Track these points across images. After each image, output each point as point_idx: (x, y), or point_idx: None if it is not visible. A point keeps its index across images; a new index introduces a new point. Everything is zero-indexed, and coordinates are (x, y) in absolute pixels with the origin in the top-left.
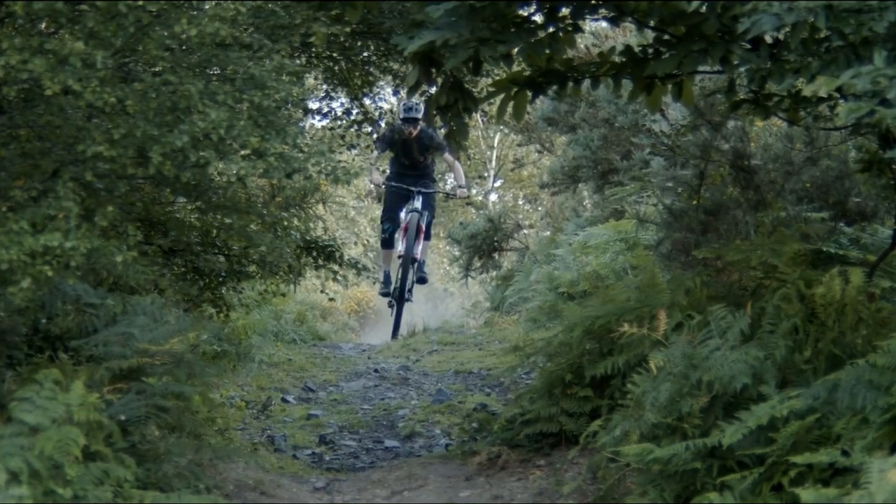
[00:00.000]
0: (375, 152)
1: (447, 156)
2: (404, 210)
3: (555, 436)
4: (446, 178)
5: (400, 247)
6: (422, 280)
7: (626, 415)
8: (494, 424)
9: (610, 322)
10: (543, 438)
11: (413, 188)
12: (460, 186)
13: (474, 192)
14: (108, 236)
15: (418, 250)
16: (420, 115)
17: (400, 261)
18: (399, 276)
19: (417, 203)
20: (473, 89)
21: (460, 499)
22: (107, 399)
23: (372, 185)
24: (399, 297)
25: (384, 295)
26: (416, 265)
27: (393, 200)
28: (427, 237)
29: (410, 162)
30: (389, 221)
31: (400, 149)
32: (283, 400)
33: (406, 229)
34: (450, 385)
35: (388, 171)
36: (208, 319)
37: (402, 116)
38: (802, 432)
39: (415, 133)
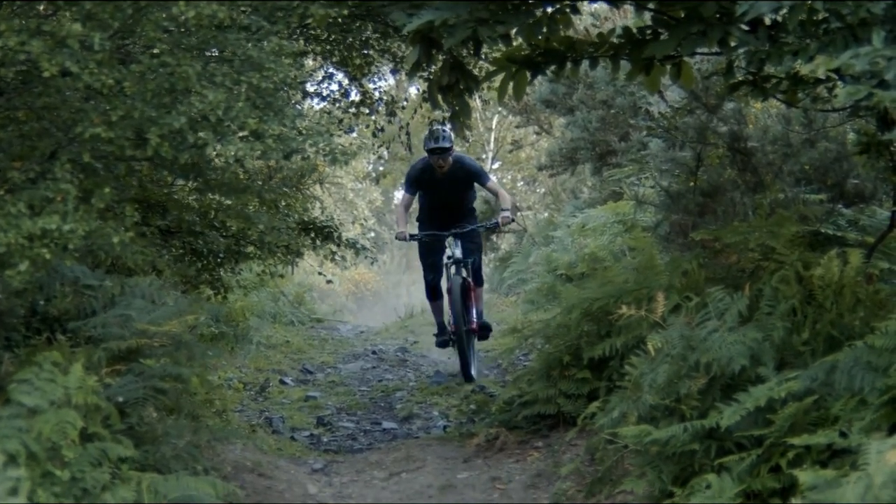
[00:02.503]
0: (401, 194)
1: (490, 184)
2: (444, 257)
3: (553, 417)
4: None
5: (449, 317)
6: (485, 329)
7: (624, 396)
8: (492, 406)
9: (608, 304)
10: (541, 420)
11: (446, 232)
12: (503, 211)
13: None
14: (106, 217)
15: (473, 315)
16: (450, 144)
17: (451, 325)
18: (458, 353)
19: (457, 250)
20: (474, 70)
21: (458, 480)
22: (105, 381)
23: (401, 239)
24: (466, 378)
25: (441, 346)
26: (475, 331)
27: (428, 248)
28: (479, 282)
29: (444, 200)
30: (430, 270)
31: (430, 187)
32: (281, 382)
33: (451, 294)
34: (448, 367)
35: (418, 210)
36: (206, 301)
37: (428, 147)
38: (800, 414)
39: (446, 167)
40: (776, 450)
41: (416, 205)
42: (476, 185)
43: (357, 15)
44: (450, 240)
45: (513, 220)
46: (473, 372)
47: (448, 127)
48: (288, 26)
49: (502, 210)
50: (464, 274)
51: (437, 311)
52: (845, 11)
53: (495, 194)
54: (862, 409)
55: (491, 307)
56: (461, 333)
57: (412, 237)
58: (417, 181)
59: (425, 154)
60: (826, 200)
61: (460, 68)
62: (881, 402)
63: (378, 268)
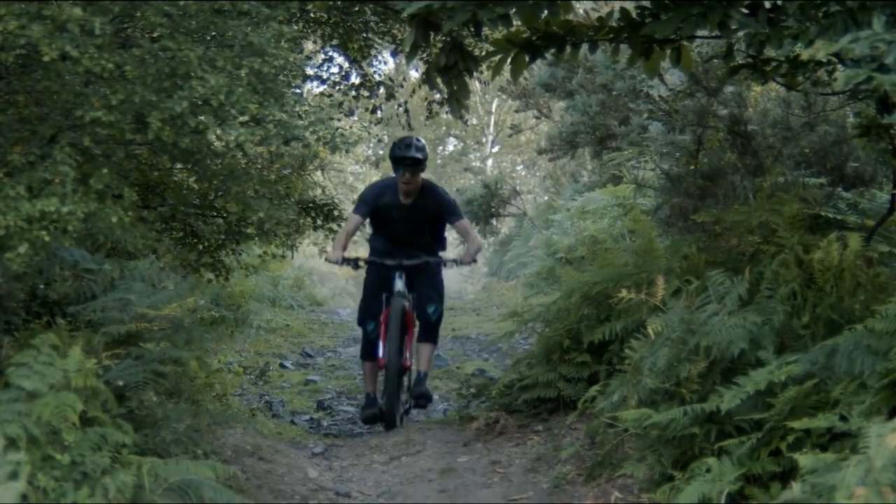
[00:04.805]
0: (352, 218)
1: (460, 224)
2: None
3: (553, 401)
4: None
5: (380, 350)
6: (423, 398)
7: (624, 380)
8: (492, 390)
9: (608, 287)
10: (541, 404)
11: (393, 262)
12: (469, 251)
13: (472, 157)
14: (105, 199)
15: (409, 354)
16: (424, 157)
17: (382, 372)
18: (384, 395)
19: (400, 283)
20: (474, 51)
21: (458, 464)
22: (104, 365)
23: (332, 262)
24: (388, 426)
25: (367, 421)
26: (410, 376)
27: (374, 286)
28: (430, 338)
29: (404, 231)
30: (370, 317)
31: (388, 215)
32: (281, 365)
33: (386, 323)
34: (448, 350)
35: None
36: (207, 284)
37: (396, 155)
38: (800, 397)
39: (413, 187)
40: (776, 433)
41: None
42: (446, 223)
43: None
44: (394, 271)
45: (474, 262)
46: (398, 421)
47: (423, 139)
48: (287, 10)
49: (468, 250)
50: (407, 306)
51: (370, 377)
52: None
53: (465, 236)
54: (862, 392)
55: (491, 291)
56: (392, 369)
57: (346, 261)
58: (374, 205)
59: (392, 174)
60: (826, 184)
61: (460, 49)
62: (881, 386)
63: None
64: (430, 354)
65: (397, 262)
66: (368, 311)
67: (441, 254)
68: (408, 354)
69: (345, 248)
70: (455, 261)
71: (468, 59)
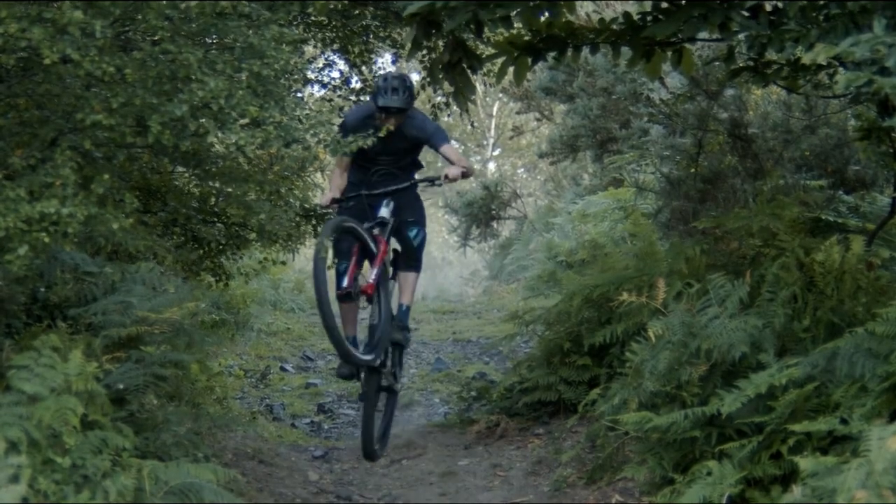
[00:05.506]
0: (341, 159)
1: (446, 147)
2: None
3: (553, 404)
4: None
5: (344, 281)
6: (401, 333)
7: (625, 383)
8: (493, 393)
9: (609, 291)
10: (542, 407)
11: (377, 191)
12: (457, 167)
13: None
14: (106, 204)
15: (372, 275)
16: (407, 104)
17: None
18: (367, 338)
19: (386, 210)
20: (476, 51)
21: (459, 467)
22: (105, 368)
23: (324, 205)
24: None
25: (345, 377)
26: (367, 293)
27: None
28: (412, 266)
29: (384, 159)
30: (345, 257)
31: (369, 147)
32: (282, 369)
33: (357, 255)
34: (448, 354)
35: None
36: (207, 288)
37: (381, 103)
38: (801, 401)
39: (395, 125)
40: (777, 436)
41: None
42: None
43: (357, 1)
44: (377, 202)
45: (466, 176)
46: (369, 357)
47: (411, 77)
48: (288, 13)
49: (451, 166)
50: (376, 232)
51: (347, 319)
52: None
53: (448, 157)
54: (863, 395)
55: (491, 294)
56: (322, 302)
57: (336, 201)
58: (355, 133)
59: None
60: (827, 187)
61: (463, 47)
62: (882, 389)
63: None
64: (413, 284)
65: (383, 189)
66: (338, 249)
67: (424, 174)
68: (373, 279)
69: (340, 188)
70: (443, 177)
71: (471, 56)
